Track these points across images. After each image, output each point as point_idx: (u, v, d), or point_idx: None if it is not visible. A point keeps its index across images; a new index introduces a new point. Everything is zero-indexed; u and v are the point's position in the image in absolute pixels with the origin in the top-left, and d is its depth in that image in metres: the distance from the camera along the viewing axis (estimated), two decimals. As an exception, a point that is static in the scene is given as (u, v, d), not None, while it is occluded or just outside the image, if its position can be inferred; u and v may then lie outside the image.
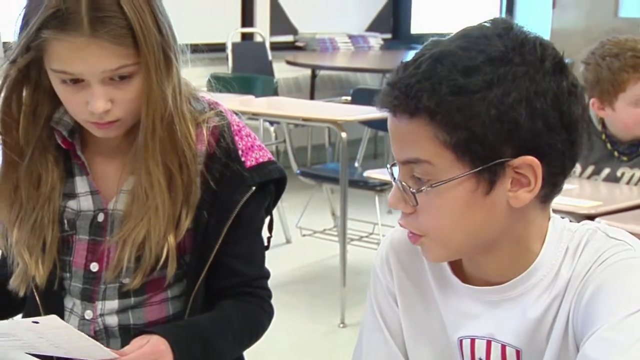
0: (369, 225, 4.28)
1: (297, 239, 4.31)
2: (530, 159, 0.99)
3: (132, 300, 1.38)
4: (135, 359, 1.22)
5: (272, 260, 1.50)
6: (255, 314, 1.41)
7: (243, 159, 1.37)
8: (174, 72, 1.29)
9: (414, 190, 1.01)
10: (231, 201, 1.35)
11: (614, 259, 1.02)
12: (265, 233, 1.47)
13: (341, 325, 3.44)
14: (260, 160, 1.39)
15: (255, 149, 1.40)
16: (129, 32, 1.22)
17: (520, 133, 0.98)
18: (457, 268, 1.12)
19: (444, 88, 0.97)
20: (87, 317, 1.39)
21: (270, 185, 1.42)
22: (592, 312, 1.00)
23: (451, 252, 1.08)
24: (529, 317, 1.06)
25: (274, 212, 1.49)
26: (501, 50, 0.99)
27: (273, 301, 1.46)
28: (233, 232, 1.36)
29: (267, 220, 1.46)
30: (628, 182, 2.41)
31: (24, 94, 1.33)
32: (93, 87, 1.24)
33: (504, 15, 8.03)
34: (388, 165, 1.10)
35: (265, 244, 1.46)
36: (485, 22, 1.04)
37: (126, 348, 1.24)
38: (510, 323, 1.07)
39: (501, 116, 0.97)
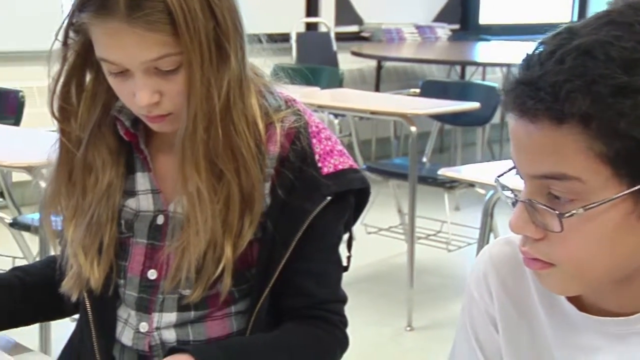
0: (437, 223, 4.14)
1: (362, 236, 4.17)
2: None
3: (192, 314, 1.24)
4: None
5: None
6: (323, 341, 1.25)
7: (320, 164, 1.21)
8: (230, 64, 1.14)
9: (560, 213, 0.83)
10: (302, 211, 1.20)
11: None
12: (344, 252, 1.30)
13: (408, 329, 3.29)
14: (340, 167, 1.23)
15: (335, 154, 1.24)
16: (167, 17, 1.09)
17: None
18: (573, 296, 0.96)
19: (602, 88, 0.79)
20: (142, 330, 1.26)
21: (350, 196, 1.25)
22: None
23: (584, 286, 0.90)
24: None
25: None
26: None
27: None
28: (304, 247, 1.21)
29: (346, 237, 1.30)
30: None
31: (87, 79, 1.22)
32: (137, 78, 1.13)
33: (577, 6, 7.80)
34: (496, 178, 0.91)
35: (345, 264, 1.30)
36: (615, 6, 0.86)
37: None
38: None
39: None
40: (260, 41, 1.23)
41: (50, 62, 1.20)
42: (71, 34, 1.17)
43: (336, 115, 4.68)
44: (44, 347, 2.36)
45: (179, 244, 1.19)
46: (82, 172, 1.24)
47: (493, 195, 2.42)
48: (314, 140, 1.23)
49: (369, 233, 4.10)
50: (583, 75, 0.79)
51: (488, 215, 2.43)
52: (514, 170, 0.89)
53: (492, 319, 1.02)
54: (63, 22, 1.16)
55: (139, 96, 1.13)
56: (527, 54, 0.84)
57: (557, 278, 0.88)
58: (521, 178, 0.87)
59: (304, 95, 3.88)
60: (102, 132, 1.24)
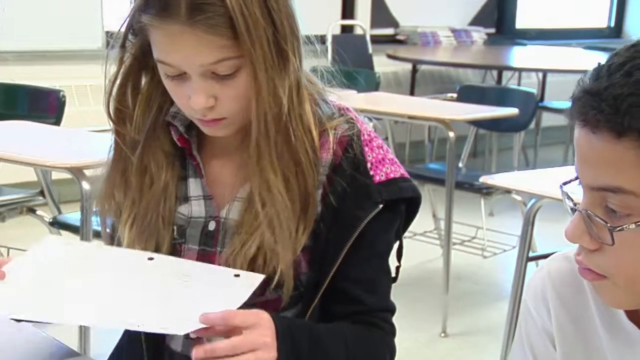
0: (472, 229, 4.11)
1: (396, 240, 4.16)
2: None
3: None
4: (238, 315, 1.08)
5: None
6: (375, 342, 1.25)
7: (372, 172, 1.22)
8: (290, 68, 1.15)
9: (611, 227, 0.83)
10: (354, 218, 1.20)
11: None
12: (393, 262, 1.30)
13: (442, 335, 3.28)
14: (392, 175, 1.24)
15: (387, 163, 1.24)
16: (228, 21, 1.09)
17: None
18: (634, 313, 0.94)
19: None
20: (192, 336, 1.26)
21: (401, 204, 1.25)
22: None
23: (637, 299, 0.89)
24: None
25: None
26: None
27: None
28: (354, 254, 1.21)
29: (395, 246, 1.30)
30: None
31: (143, 81, 1.23)
32: (193, 81, 1.13)
33: (614, 11, 7.71)
34: (561, 185, 0.92)
35: (394, 274, 1.30)
36: None
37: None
38: None
39: None
40: (310, 43, 1.23)
41: (106, 63, 1.21)
42: (129, 36, 1.18)
43: (371, 119, 4.66)
44: (83, 347, 2.37)
45: (233, 249, 1.20)
46: (138, 173, 1.25)
47: (535, 203, 2.40)
48: (366, 149, 1.23)
49: (404, 238, 4.07)
50: None
51: (529, 224, 2.41)
52: (577, 179, 0.89)
53: (549, 335, 1.01)
54: (122, 24, 1.17)
55: (194, 99, 1.14)
56: (599, 63, 0.84)
57: (609, 290, 0.88)
58: (583, 188, 0.87)
59: (339, 98, 3.86)
60: (157, 135, 1.25)
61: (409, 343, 3.20)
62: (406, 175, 1.26)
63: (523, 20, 7.01)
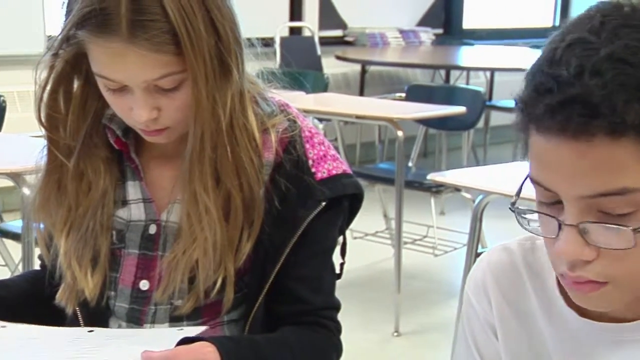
0: (423, 228, 4.12)
1: (348, 241, 4.15)
2: None
3: (185, 324, 1.22)
4: (177, 353, 1.05)
5: None
6: (321, 343, 1.24)
7: (313, 170, 1.20)
8: (233, 78, 1.12)
9: (634, 228, 0.79)
10: (297, 217, 1.19)
11: None
12: (337, 259, 1.29)
13: (395, 334, 3.28)
14: (334, 172, 1.22)
15: (329, 159, 1.23)
16: (172, 38, 1.06)
17: None
18: (571, 299, 0.94)
19: None
20: None
21: (344, 201, 1.24)
22: None
23: (631, 298, 0.87)
24: None
25: None
26: None
27: None
28: (298, 253, 1.19)
29: (340, 242, 1.29)
30: None
31: (75, 86, 1.19)
32: (136, 95, 1.10)
33: (559, 10, 7.83)
34: (513, 207, 0.87)
35: (338, 270, 1.28)
36: (606, 8, 0.84)
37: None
38: None
39: None
40: (252, 45, 1.21)
41: (36, 70, 1.17)
42: (64, 46, 1.14)
43: (321, 120, 4.66)
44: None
45: (175, 255, 1.17)
46: (74, 181, 1.22)
47: (482, 200, 2.41)
48: (307, 146, 1.21)
49: (355, 238, 4.08)
50: (629, 83, 0.76)
51: (477, 221, 2.42)
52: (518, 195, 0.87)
53: (491, 327, 1.01)
54: (56, 37, 1.13)
55: (137, 112, 1.11)
56: (545, 72, 0.79)
57: (609, 296, 0.85)
58: (537, 203, 0.84)
59: (288, 99, 3.85)
60: (94, 141, 1.22)
61: (363, 343, 3.19)
62: (348, 171, 1.25)
63: (470, 20, 7.07)
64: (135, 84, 1.09)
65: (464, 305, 1.05)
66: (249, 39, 1.19)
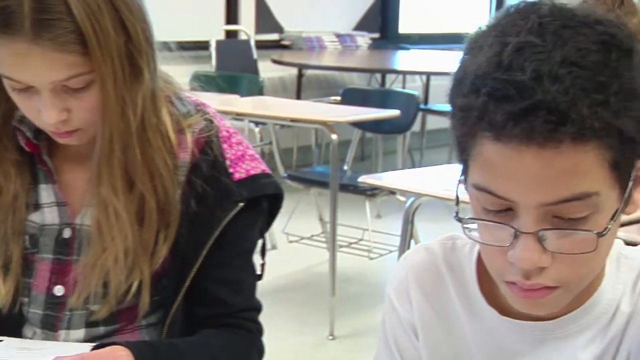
0: (358, 231, 4.13)
1: (283, 245, 4.14)
2: None
3: (102, 329, 1.19)
4: (87, 357, 1.03)
5: (258, 268, 1.31)
6: (242, 345, 1.22)
7: (231, 170, 1.19)
8: (144, 79, 1.10)
9: (598, 232, 0.79)
10: (214, 218, 1.17)
11: None
12: (258, 260, 1.28)
13: (330, 337, 3.27)
14: (252, 172, 1.21)
15: (247, 159, 1.21)
16: (77, 37, 1.03)
17: None
18: (492, 298, 0.94)
19: (610, 95, 0.77)
20: None
21: (263, 201, 1.23)
22: None
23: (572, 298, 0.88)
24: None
25: None
26: (612, 33, 0.80)
27: None
28: (217, 254, 1.18)
29: (260, 243, 1.28)
30: None
31: None
32: (43, 96, 1.07)
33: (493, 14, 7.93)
34: (457, 217, 0.86)
35: (258, 272, 1.27)
36: (527, 6, 0.84)
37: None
38: None
39: None
40: (170, 49, 1.19)
41: None
42: None
43: (257, 124, 4.64)
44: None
45: (90, 259, 1.14)
46: None
47: (414, 202, 2.42)
48: (225, 146, 1.20)
49: (291, 242, 4.07)
50: (588, 88, 0.76)
51: (409, 223, 2.43)
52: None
53: (412, 327, 1.01)
54: None
55: (46, 114, 1.08)
56: (499, 78, 0.77)
57: (558, 299, 0.85)
58: (482, 211, 0.82)
59: (223, 102, 3.84)
60: (3, 144, 1.18)
61: (297, 347, 3.18)
62: (267, 171, 1.24)
63: (406, 25, 7.12)
64: (42, 85, 1.06)
65: (385, 306, 1.05)
66: (165, 42, 1.18)
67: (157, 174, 1.13)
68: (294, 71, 5.87)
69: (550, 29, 0.78)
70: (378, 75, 6.27)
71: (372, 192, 3.63)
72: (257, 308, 1.26)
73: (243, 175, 1.20)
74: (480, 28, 0.86)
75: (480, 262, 0.96)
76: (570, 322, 0.90)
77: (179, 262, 1.18)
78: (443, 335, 0.99)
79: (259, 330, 1.25)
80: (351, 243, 4.06)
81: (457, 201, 0.88)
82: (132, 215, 1.13)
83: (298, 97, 5.81)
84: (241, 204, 1.18)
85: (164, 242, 1.15)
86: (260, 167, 1.23)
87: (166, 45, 1.17)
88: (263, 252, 1.30)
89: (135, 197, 1.13)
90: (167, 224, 1.15)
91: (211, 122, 1.21)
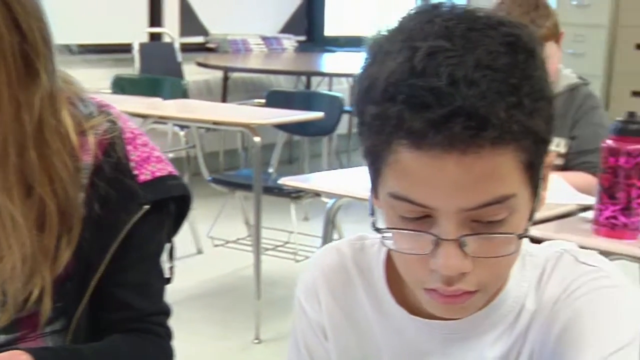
0: (284, 234, 4.12)
1: (208, 249, 4.11)
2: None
3: (3, 337, 1.15)
4: None
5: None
6: (151, 350, 1.20)
7: (136, 172, 1.16)
8: (41, 80, 1.07)
9: (519, 234, 0.81)
10: (118, 221, 1.14)
11: (586, 289, 0.87)
12: (166, 262, 1.25)
13: (256, 341, 3.25)
14: (158, 174, 1.18)
15: (152, 161, 1.19)
16: None
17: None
18: (401, 297, 0.94)
19: (524, 98, 0.77)
20: None
21: (170, 204, 1.21)
22: (562, 354, 0.84)
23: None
24: (487, 358, 0.90)
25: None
26: (516, 34, 0.80)
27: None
28: (123, 258, 1.15)
29: (168, 246, 1.25)
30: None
31: None
32: None
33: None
34: (375, 228, 0.85)
35: (167, 275, 1.25)
36: (426, 8, 0.84)
37: None
38: None
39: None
40: (71, 52, 1.16)
41: None
42: None
43: (182, 127, 4.59)
44: None
45: None
46: None
47: (335, 203, 2.42)
48: (129, 147, 1.17)
49: (216, 246, 4.04)
50: (503, 91, 0.76)
51: (330, 224, 2.42)
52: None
53: (321, 328, 1.00)
54: None
55: None
56: (414, 85, 0.76)
57: (476, 302, 0.85)
58: (398, 219, 0.82)
59: (147, 106, 3.79)
60: None
61: (223, 351, 3.16)
62: (174, 172, 1.22)
63: (332, 28, 7.15)
64: None
65: (295, 308, 1.04)
66: (67, 45, 1.15)
67: (57, 177, 1.10)
68: (219, 74, 5.84)
69: (458, 33, 0.78)
70: (304, 78, 6.28)
71: (297, 194, 3.62)
72: (165, 312, 1.24)
73: (148, 177, 1.18)
74: (380, 33, 0.84)
75: (388, 262, 0.96)
76: (478, 321, 0.90)
77: (83, 266, 1.15)
78: (353, 336, 0.98)
79: (168, 334, 1.23)
80: (277, 246, 4.05)
81: (373, 211, 0.87)
82: (30, 221, 1.09)
83: (224, 100, 5.78)
84: (146, 207, 1.16)
85: (67, 246, 1.12)
86: (167, 168, 1.21)
87: (67, 48, 1.14)
88: (171, 255, 1.28)
89: (34, 202, 1.10)
90: (69, 227, 1.12)
91: (114, 123, 1.18)
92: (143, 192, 1.16)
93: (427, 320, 0.92)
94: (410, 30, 0.80)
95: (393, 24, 0.84)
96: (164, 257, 1.24)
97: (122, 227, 1.14)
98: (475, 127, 0.74)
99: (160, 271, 1.23)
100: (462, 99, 0.74)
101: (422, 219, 0.80)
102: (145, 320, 1.20)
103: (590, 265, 0.89)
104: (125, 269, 1.17)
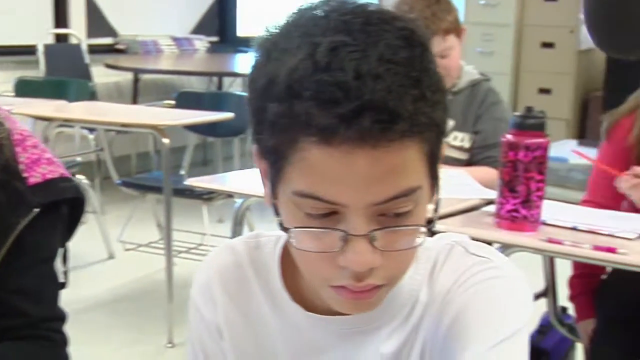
0: (198, 237, 4.08)
1: (120, 253, 4.03)
2: None
3: None
4: None
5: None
6: (45, 357, 1.17)
7: (25, 174, 1.13)
8: None
9: (427, 225, 0.82)
10: (7, 225, 1.11)
11: (475, 280, 0.88)
12: (61, 266, 1.22)
13: (169, 345, 3.21)
14: (49, 176, 1.16)
15: (43, 163, 1.16)
16: None
17: None
18: (297, 294, 0.94)
19: (426, 90, 0.77)
20: None
21: (62, 206, 1.18)
22: (452, 344, 0.85)
23: None
24: (383, 352, 0.91)
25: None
26: (411, 28, 0.81)
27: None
28: (13, 263, 1.12)
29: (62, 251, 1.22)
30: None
31: None
32: None
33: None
34: (293, 228, 0.82)
35: (61, 279, 1.22)
36: (320, 6, 0.82)
37: None
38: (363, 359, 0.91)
39: None
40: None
41: None
42: None
43: (91, 130, 4.50)
44: None
45: None
46: None
47: (244, 203, 2.41)
48: (18, 149, 1.14)
49: (128, 250, 3.97)
50: (407, 84, 0.76)
51: (238, 224, 2.41)
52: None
53: (217, 328, 0.99)
54: None
55: None
56: (320, 80, 0.75)
57: (381, 296, 0.85)
58: (304, 217, 0.80)
59: (53, 108, 3.70)
60: None
61: (136, 356, 3.10)
62: (66, 174, 1.19)
63: (244, 28, 7.12)
64: None
65: (190, 309, 1.02)
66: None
67: None
68: (129, 76, 5.74)
69: (356, 27, 0.78)
70: (216, 79, 6.23)
71: (208, 196, 3.59)
72: (60, 317, 1.20)
73: (39, 180, 1.14)
74: (269, 30, 0.83)
75: (284, 259, 0.95)
76: (375, 316, 0.90)
77: None
78: (249, 336, 0.97)
79: (63, 340, 1.20)
80: (190, 248, 4.00)
81: (277, 211, 0.86)
82: None
83: (135, 102, 5.69)
84: (36, 210, 1.13)
85: None
86: (59, 170, 1.18)
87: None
88: (65, 259, 1.24)
89: None
90: None
91: (1, 124, 1.14)
92: (33, 195, 1.13)
93: (323, 316, 0.92)
94: (306, 26, 0.80)
95: (281, 21, 0.83)
96: (58, 261, 1.21)
97: (12, 232, 1.11)
98: (385, 120, 0.74)
99: (54, 276, 1.20)
100: (370, 93, 0.74)
101: (329, 215, 0.79)
102: (38, 327, 1.16)
103: (480, 257, 0.90)
104: (16, 275, 1.13)
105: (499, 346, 0.82)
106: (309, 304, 0.93)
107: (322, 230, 0.80)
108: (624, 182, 1.96)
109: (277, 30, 0.82)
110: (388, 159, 0.76)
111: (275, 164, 0.81)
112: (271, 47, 0.81)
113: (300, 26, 0.80)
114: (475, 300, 0.86)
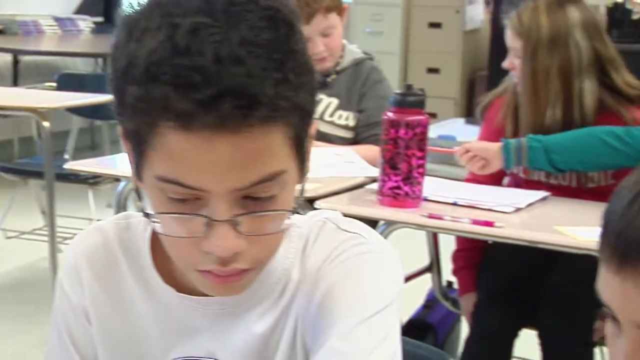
0: (85, 222, 3.98)
1: (1, 242, 3.90)
2: None
3: None
4: None
5: None
6: None
7: None
8: None
9: (292, 209, 0.82)
10: None
11: (346, 255, 0.88)
12: None
13: (55, 335, 3.12)
14: None
15: None
16: None
17: None
18: (169, 276, 0.92)
19: (291, 75, 0.76)
20: None
21: None
22: (322, 320, 0.85)
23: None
24: (255, 332, 0.90)
25: None
26: (276, 8, 0.79)
27: None
28: None
29: None
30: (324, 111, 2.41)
31: None
32: None
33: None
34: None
35: None
36: None
37: None
38: (234, 340, 0.90)
39: None
40: None
41: None
42: None
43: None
44: None
45: None
46: None
47: (125, 186, 2.36)
48: None
49: (9, 238, 3.84)
50: (269, 67, 0.74)
51: (120, 208, 2.36)
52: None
53: (84, 312, 0.96)
54: None
55: None
56: (179, 64, 0.73)
57: (250, 279, 0.84)
58: (166, 201, 0.79)
59: None
60: None
61: (24, 348, 3.02)
62: None
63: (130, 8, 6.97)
64: None
65: (56, 292, 0.99)
66: None
67: None
68: (8, 58, 5.54)
69: (219, 8, 0.76)
70: (101, 61, 6.08)
71: (94, 180, 3.50)
72: None
73: None
74: (132, 8, 0.80)
75: (154, 241, 0.93)
76: (246, 296, 0.89)
77: None
78: (118, 319, 0.95)
79: None
80: (76, 235, 3.90)
81: (140, 197, 0.84)
82: None
83: (15, 85, 5.49)
84: None
85: None
86: None
87: None
88: None
89: None
90: None
91: None
92: None
93: (195, 297, 0.91)
94: (168, 5, 0.77)
95: None
96: None
97: None
98: (245, 106, 0.73)
99: None
100: (229, 77, 0.73)
101: (191, 200, 0.78)
102: None
103: (351, 233, 0.90)
104: None
105: (367, 321, 0.83)
106: (180, 285, 0.92)
107: (185, 215, 0.79)
108: (460, 159, 2.02)
109: (140, 8, 0.79)
110: (249, 145, 0.75)
111: (138, 147, 0.79)
112: (133, 26, 0.78)
113: (162, 5, 0.78)
114: (345, 276, 0.86)
